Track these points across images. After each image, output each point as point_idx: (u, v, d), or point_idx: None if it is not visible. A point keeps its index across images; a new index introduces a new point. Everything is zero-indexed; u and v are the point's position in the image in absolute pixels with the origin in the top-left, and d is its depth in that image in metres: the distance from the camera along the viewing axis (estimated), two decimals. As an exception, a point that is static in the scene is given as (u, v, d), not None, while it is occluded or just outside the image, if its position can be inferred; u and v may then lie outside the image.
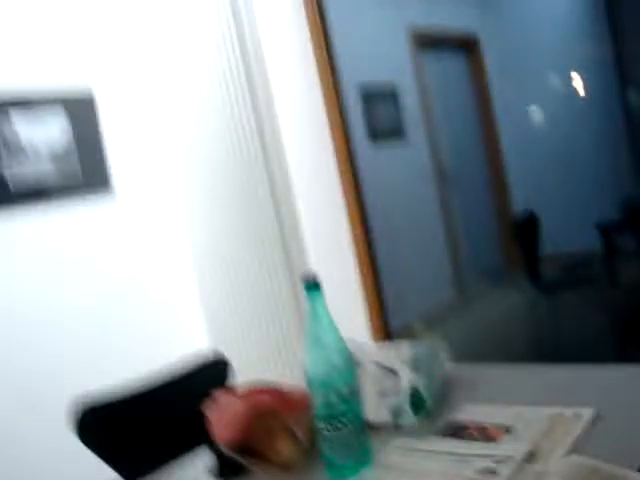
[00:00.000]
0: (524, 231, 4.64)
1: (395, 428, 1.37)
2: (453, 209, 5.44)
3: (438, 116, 5.75)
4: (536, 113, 5.90)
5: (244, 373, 2.98)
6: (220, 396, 1.38)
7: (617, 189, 4.49)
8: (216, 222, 3.07)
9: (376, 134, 4.95)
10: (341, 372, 1.22)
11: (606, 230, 3.70)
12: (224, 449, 1.30)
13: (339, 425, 1.20)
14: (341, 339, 1.23)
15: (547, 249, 4.49)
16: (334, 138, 3.49)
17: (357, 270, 3.51)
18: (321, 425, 1.21)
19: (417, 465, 1.20)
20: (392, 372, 1.43)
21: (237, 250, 3.03)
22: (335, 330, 1.23)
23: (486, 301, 4.57)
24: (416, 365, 1.44)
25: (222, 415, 1.32)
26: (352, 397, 1.22)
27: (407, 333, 3.71)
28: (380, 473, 1.21)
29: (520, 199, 5.38)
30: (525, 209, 4.94)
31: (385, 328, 3.48)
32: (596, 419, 1.23)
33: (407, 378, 1.39)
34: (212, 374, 2.09)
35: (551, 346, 3.72)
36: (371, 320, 3.47)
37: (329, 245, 3.52)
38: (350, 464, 1.22)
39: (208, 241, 3.10)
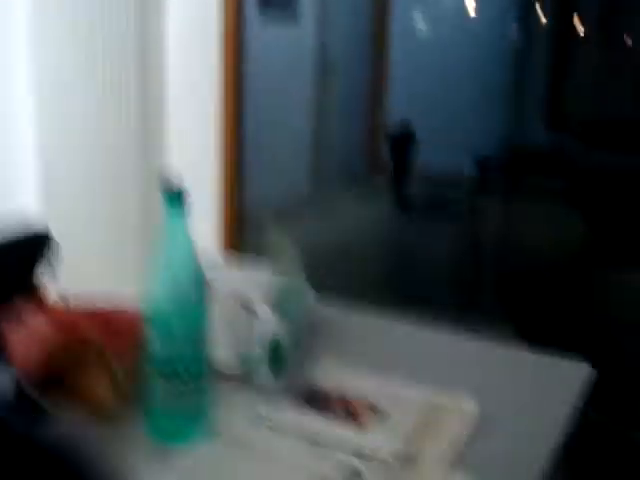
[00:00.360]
0: (397, 143, 4.46)
1: (244, 382, 1.12)
2: (328, 102, 5.15)
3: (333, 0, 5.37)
4: (432, 25, 5.66)
5: (75, 258, 2.64)
6: (25, 311, 1.06)
7: (501, 120, 4.37)
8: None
9: (267, 4, 4.52)
10: (192, 308, 0.94)
11: (483, 163, 3.58)
12: (22, 380, 1.01)
13: (178, 376, 0.93)
14: (198, 267, 0.95)
15: (417, 167, 4.34)
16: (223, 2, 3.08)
17: (219, 144, 3.17)
18: (153, 371, 0.94)
19: (266, 444, 0.96)
20: (251, 311, 1.16)
21: (88, 103, 2.62)
22: (193, 256, 0.95)
23: (343, 207, 4.38)
24: (280, 305, 1.19)
25: (25, 336, 1.01)
26: (201, 341, 0.95)
27: (257, 225, 3.46)
28: (217, 447, 0.96)
29: (398, 110, 5.16)
30: (402, 120, 4.74)
31: (237, 212, 3.20)
32: (483, 416, 1.04)
33: (270, 325, 1.13)
34: (24, 252, 1.74)
35: (400, 268, 3.61)
36: (225, 199, 3.18)
37: (194, 115, 3.16)
38: (181, 428, 0.97)
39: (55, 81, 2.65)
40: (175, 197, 0.90)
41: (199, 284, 0.95)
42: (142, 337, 0.95)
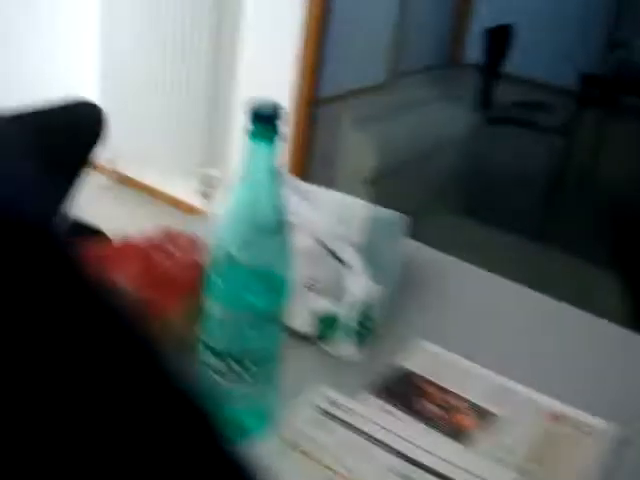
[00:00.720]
0: (493, 38, 4.03)
1: (316, 345, 0.89)
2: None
3: None
4: None
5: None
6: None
7: (607, 33, 3.92)
8: None
9: None
10: (269, 266, 0.70)
11: (588, 78, 3.18)
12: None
13: (242, 367, 0.70)
14: (282, 209, 0.70)
15: (510, 69, 3.94)
16: None
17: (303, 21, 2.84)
18: (208, 358, 0.71)
19: (337, 462, 0.72)
20: (335, 257, 0.91)
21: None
22: (277, 196, 0.69)
23: (421, 100, 4.04)
24: (370, 251, 0.94)
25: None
26: (275, 320, 0.71)
27: (332, 108, 3.16)
28: (273, 447, 0.73)
29: (495, 6, 4.69)
30: (499, 17, 4.28)
31: (312, 91, 2.89)
32: (622, 440, 0.80)
33: (362, 282, 0.88)
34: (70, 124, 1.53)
35: (479, 182, 3.32)
36: (303, 74, 2.86)
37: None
38: (235, 420, 0.74)
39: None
40: (266, 119, 0.64)
41: (280, 233, 0.70)
42: (198, 295, 0.71)
